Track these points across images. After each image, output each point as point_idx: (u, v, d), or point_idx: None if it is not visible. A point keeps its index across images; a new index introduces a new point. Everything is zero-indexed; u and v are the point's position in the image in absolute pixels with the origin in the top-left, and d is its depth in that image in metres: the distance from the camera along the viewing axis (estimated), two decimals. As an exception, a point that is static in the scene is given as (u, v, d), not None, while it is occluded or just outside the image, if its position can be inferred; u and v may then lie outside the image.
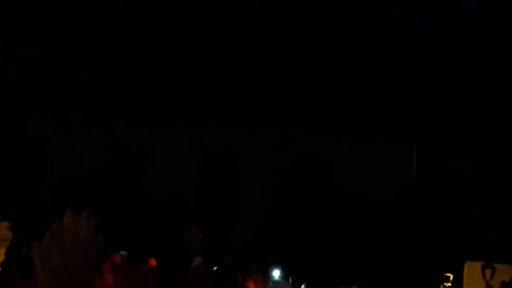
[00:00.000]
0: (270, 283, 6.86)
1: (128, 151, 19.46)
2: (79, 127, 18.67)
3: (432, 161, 19.20)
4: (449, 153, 18.83)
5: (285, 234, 18.17)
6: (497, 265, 13.19)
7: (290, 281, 11.35)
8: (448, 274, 13.75)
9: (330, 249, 17.57)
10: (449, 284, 13.39)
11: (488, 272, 13.12)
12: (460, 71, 17.55)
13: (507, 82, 17.46)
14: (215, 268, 9.16)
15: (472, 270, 13.39)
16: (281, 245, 17.64)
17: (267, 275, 10.09)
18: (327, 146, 18.99)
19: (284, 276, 11.99)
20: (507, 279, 12.75)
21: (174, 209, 18.07)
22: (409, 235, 18.16)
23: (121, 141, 19.18)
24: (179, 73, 18.36)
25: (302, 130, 18.67)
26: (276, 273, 13.51)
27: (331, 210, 18.69)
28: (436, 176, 19.08)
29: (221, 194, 19.43)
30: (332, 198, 18.94)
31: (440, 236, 17.79)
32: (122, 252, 7.56)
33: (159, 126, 18.70)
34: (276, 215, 18.89)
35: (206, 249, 16.26)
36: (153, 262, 8.54)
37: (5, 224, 18.64)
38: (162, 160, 18.87)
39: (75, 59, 18.40)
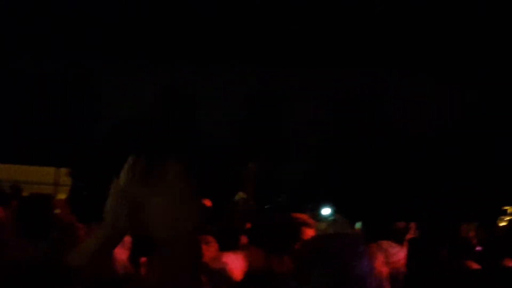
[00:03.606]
0: (325, 222, 6.91)
1: (180, 94, 19.64)
2: (131, 72, 18.85)
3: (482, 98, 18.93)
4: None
5: (336, 174, 18.23)
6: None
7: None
8: (507, 207, 13.68)
9: (384, 186, 17.53)
10: (509, 218, 13.29)
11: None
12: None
13: None
14: (266, 206, 9.12)
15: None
16: (333, 184, 17.71)
17: (318, 215, 10.16)
18: (376, 83, 18.78)
19: (335, 214, 12.04)
20: None
21: (226, 151, 18.25)
22: (466, 169, 17.97)
23: (174, 84, 19.32)
24: (228, 18, 18.27)
25: (351, 67, 18.46)
26: (327, 212, 13.62)
27: (382, 147, 18.60)
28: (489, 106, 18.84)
29: (273, 135, 19.53)
30: (383, 134, 18.82)
31: (498, 169, 17.62)
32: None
33: (210, 70, 18.74)
34: (327, 154, 18.93)
35: (258, 189, 16.44)
36: (207, 203, 8.71)
37: (64, 170, 19.26)
38: (213, 103, 18.98)
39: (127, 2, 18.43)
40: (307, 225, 3.41)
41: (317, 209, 12.00)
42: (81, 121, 19.87)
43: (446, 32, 17.81)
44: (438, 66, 18.38)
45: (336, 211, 12.61)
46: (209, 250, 4.75)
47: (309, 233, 3.39)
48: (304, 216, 3.53)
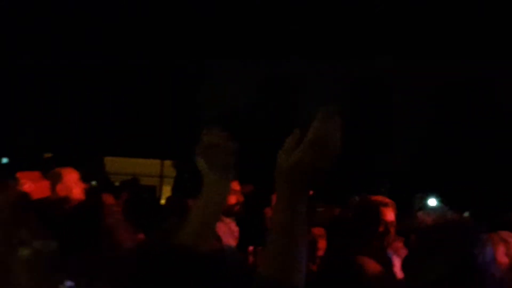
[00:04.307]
0: (433, 212, 6.75)
1: (281, 84, 19.70)
2: (233, 64, 19.13)
3: None
4: None
5: (441, 163, 17.76)
6: None
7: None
8: None
9: (492, 176, 16.92)
10: None
11: None
12: None
13: None
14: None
15: None
16: (438, 174, 17.27)
17: (425, 205, 9.93)
18: (485, 71, 18.12)
19: (441, 204, 11.76)
20: None
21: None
22: None
23: (275, 75, 19.40)
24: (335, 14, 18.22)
25: (457, 57, 17.93)
26: (432, 202, 13.32)
27: (491, 135, 17.93)
28: None
29: (376, 125, 19.27)
30: (492, 122, 18.16)
31: None
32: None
33: (312, 60, 18.72)
34: (432, 143, 18.47)
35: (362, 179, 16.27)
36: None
37: (169, 162, 19.78)
38: (315, 92, 18.93)
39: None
40: (385, 205, 3.32)
41: (425, 199, 11.72)
42: (185, 114, 20.31)
43: None
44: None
45: (442, 201, 12.30)
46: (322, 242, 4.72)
47: (388, 213, 3.30)
48: (380, 197, 3.42)
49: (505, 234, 3.58)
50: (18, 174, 3.78)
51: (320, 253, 4.67)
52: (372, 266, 3.07)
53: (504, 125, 18.12)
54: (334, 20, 18.06)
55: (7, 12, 20.08)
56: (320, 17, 18.11)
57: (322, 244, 4.72)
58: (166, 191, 17.01)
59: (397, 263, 3.84)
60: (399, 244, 4.61)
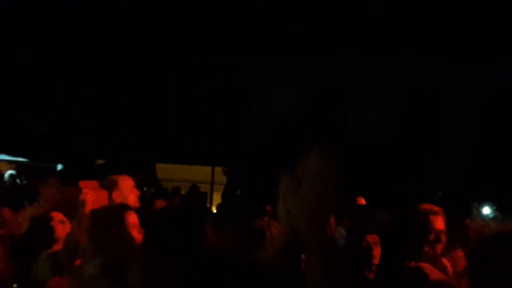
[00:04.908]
0: (486, 220, 6.66)
1: (330, 89, 19.62)
2: (282, 69, 19.14)
3: None
4: None
5: (493, 170, 17.39)
6: None
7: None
8: None
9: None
10: None
11: None
12: None
13: None
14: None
15: None
16: (490, 181, 16.91)
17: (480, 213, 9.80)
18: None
19: (497, 212, 11.58)
20: None
21: (374, 147, 17.96)
22: None
23: (325, 80, 19.35)
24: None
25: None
26: (487, 210, 13.10)
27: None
28: None
29: (427, 133, 19.03)
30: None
31: None
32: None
33: (362, 65, 18.59)
34: (482, 150, 18.10)
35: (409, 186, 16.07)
36: (362, 201, 8.64)
37: (220, 169, 19.92)
38: (366, 97, 18.81)
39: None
40: (434, 213, 3.31)
41: (480, 206, 11.56)
42: (235, 121, 20.43)
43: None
44: None
45: (496, 209, 12.08)
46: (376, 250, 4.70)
47: (438, 221, 3.29)
48: (429, 205, 3.42)
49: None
50: (80, 184, 3.90)
51: (376, 261, 4.65)
52: (433, 272, 3.08)
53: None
54: (385, 21, 17.95)
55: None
56: (376, 18, 18.01)
57: (377, 252, 4.70)
58: (217, 198, 17.16)
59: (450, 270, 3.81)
60: (459, 254, 4.56)
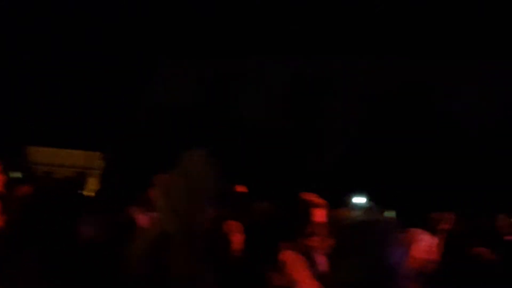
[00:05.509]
0: (359, 210, 6.85)
1: (214, 84, 19.64)
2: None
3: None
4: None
5: (370, 163, 17.96)
6: None
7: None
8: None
9: (419, 175, 17.17)
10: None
11: None
12: None
13: None
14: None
15: None
16: (367, 173, 17.46)
17: (352, 203, 10.10)
18: (422, 73, 18.41)
19: (369, 202, 11.96)
20: None
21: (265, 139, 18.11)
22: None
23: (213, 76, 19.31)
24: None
25: (399, 57, 18.18)
26: (360, 200, 13.51)
27: (420, 136, 18.17)
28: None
29: (309, 124, 19.37)
30: (421, 123, 18.43)
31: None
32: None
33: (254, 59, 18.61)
34: (362, 144, 18.65)
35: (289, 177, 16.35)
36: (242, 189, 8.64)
37: (95, 154, 19.40)
38: (254, 89, 18.98)
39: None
40: (316, 205, 3.32)
41: (351, 197, 11.91)
42: (119, 109, 19.99)
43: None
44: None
45: (369, 199, 12.50)
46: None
47: (319, 213, 3.31)
48: (312, 196, 3.43)
49: (417, 232, 3.71)
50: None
51: (234, 247, 4.59)
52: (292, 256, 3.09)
53: (436, 125, 18.46)
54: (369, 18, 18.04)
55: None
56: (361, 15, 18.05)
57: (236, 238, 4.66)
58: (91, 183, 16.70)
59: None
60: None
